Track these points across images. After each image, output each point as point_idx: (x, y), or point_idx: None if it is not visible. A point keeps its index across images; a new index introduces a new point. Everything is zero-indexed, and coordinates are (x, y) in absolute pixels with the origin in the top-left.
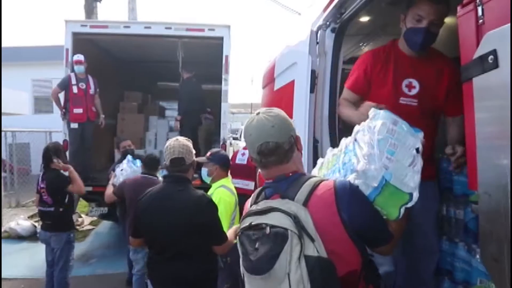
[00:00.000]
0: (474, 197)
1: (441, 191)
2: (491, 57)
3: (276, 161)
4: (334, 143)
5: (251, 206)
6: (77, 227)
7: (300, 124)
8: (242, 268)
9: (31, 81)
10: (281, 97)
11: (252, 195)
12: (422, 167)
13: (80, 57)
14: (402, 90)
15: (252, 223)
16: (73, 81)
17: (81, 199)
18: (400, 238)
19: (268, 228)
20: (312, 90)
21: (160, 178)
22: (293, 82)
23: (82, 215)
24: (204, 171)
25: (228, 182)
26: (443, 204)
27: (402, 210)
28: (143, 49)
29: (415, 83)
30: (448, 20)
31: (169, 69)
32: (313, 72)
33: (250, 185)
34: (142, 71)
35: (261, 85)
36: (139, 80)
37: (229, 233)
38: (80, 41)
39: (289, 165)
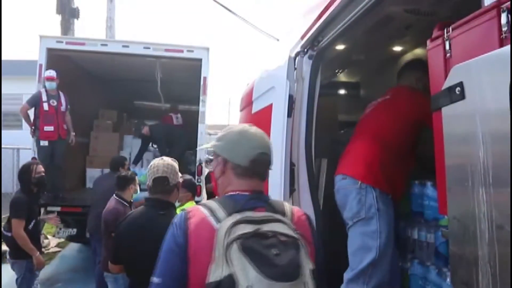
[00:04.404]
0: (444, 221)
1: (413, 215)
2: (458, 88)
3: (262, 174)
4: (310, 167)
5: (229, 215)
6: (43, 249)
7: (277, 147)
8: (253, 276)
9: None
10: (259, 120)
11: (214, 203)
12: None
13: (51, 73)
14: None
15: (259, 230)
16: (44, 98)
17: None
18: None
19: (281, 236)
20: (289, 114)
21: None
22: (271, 105)
23: (49, 237)
24: None
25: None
26: (415, 228)
27: None
28: (120, 68)
29: None
30: (418, 51)
31: (146, 88)
32: (290, 97)
33: None
34: (118, 89)
35: (239, 107)
36: (115, 98)
37: None
38: (55, 57)
39: (263, 184)
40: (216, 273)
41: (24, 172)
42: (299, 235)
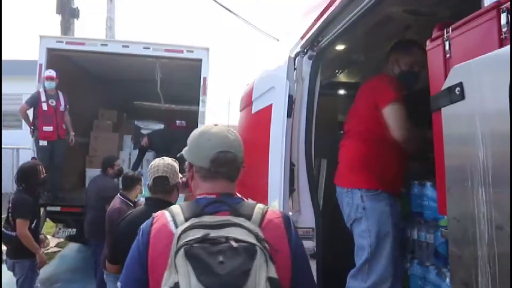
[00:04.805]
0: (443, 221)
1: (412, 215)
2: (458, 89)
3: (227, 174)
4: (310, 167)
5: (187, 219)
6: (42, 249)
7: (277, 147)
8: (194, 285)
9: None
10: (259, 120)
11: (179, 207)
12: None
13: (51, 72)
14: None
15: (210, 235)
16: (43, 98)
17: (47, 219)
18: None
19: (233, 242)
20: (289, 114)
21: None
22: (270, 106)
23: (48, 237)
24: None
25: None
26: (414, 228)
27: None
28: (120, 68)
29: None
30: None
31: (146, 88)
32: (290, 97)
33: None
34: (118, 89)
35: (239, 108)
36: (115, 98)
37: None
38: (55, 57)
39: (234, 185)
40: (169, 281)
41: (31, 173)
42: (262, 241)
